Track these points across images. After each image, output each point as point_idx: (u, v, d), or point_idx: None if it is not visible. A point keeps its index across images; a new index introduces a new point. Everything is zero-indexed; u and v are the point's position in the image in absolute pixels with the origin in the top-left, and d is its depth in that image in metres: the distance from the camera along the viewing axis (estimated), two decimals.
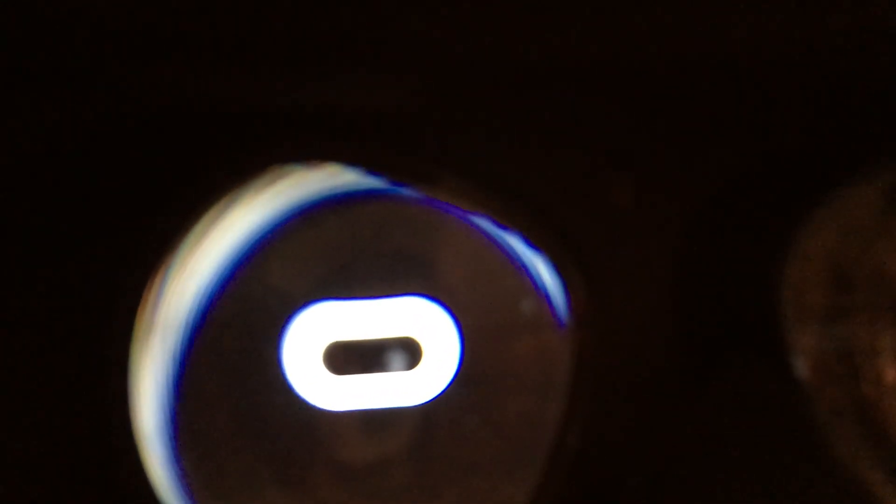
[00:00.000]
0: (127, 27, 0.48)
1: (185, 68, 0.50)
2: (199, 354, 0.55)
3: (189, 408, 0.54)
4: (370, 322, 0.55)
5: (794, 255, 0.51)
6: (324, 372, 0.55)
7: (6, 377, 0.53)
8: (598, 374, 0.52)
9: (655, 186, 0.52)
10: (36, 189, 0.53)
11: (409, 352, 0.55)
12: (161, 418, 0.54)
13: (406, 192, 0.54)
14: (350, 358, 0.55)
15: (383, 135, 0.52)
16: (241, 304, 0.55)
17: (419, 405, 0.55)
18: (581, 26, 0.50)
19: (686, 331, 0.52)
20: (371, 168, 0.53)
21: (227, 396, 0.55)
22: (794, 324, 0.51)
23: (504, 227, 0.53)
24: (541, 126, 0.52)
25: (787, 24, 0.49)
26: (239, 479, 0.54)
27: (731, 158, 0.52)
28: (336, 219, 0.55)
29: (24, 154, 0.52)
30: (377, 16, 0.49)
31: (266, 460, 0.54)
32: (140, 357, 0.54)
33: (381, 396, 0.55)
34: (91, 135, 0.52)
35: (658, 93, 0.51)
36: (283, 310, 0.55)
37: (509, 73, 0.51)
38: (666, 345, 0.52)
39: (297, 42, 0.49)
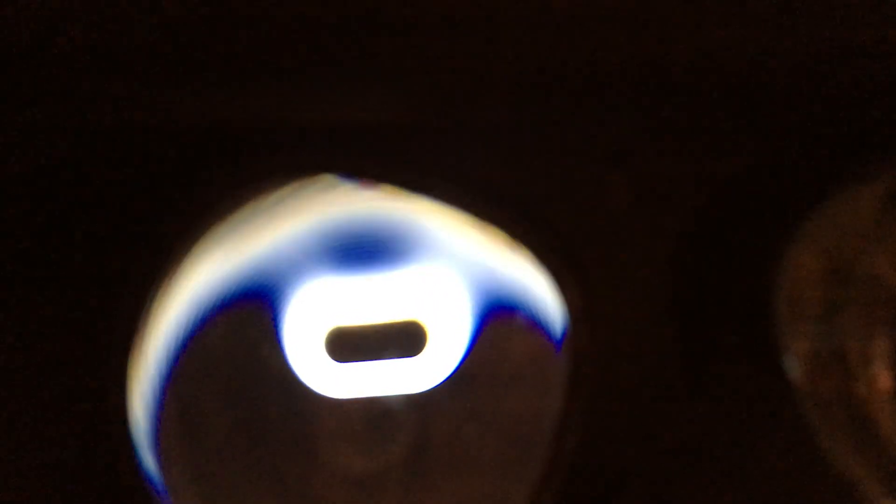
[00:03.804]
0: (125, 48, 0.48)
1: (182, 87, 0.50)
2: (196, 344, 0.55)
3: (182, 397, 0.55)
4: (373, 304, 0.55)
5: (790, 260, 0.51)
6: (326, 359, 0.55)
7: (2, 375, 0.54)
8: (595, 373, 0.52)
9: (651, 188, 0.52)
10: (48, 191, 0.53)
11: (414, 337, 0.55)
12: (153, 408, 0.54)
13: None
14: (353, 344, 0.55)
15: (377, 145, 0.52)
16: (237, 288, 0.55)
17: (421, 396, 0.55)
18: (578, 31, 0.49)
19: (681, 331, 0.52)
20: (365, 179, 0.53)
21: (224, 384, 0.55)
22: (789, 327, 0.52)
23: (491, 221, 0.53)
24: (537, 130, 0.52)
25: (785, 31, 0.49)
26: (232, 475, 0.55)
27: (727, 161, 0.52)
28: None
29: (22, 168, 0.52)
30: (370, 30, 0.48)
31: (262, 454, 0.55)
32: (136, 348, 0.54)
33: (384, 384, 0.55)
34: (89, 151, 0.53)
35: (654, 96, 0.51)
36: (284, 289, 0.55)
37: (505, 76, 0.51)
38: (661, 345, 0.52)
39: (292, 58, 0.49)
